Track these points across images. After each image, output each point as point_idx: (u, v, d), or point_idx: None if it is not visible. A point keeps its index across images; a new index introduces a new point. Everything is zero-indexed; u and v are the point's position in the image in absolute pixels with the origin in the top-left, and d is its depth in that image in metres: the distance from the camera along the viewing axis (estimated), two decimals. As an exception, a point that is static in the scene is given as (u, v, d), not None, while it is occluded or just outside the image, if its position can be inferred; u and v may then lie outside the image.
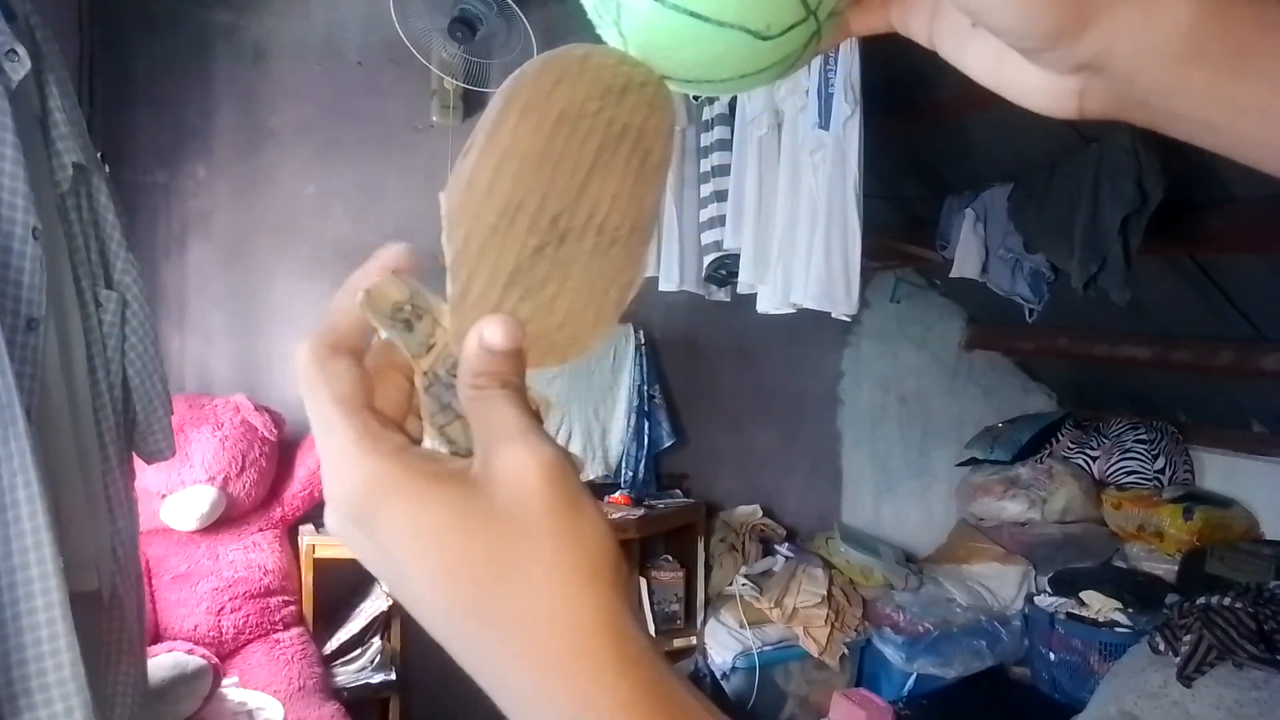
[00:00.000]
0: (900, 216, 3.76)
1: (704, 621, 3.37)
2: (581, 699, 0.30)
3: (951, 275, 3.24)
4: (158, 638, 2.40)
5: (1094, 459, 3.83)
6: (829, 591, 3.35)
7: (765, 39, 0.36)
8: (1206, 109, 0.34)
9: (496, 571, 0.31)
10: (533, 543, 0.31)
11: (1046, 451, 3.94)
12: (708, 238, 2.92)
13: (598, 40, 0.39)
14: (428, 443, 0.36)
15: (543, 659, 0.30)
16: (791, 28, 0.36)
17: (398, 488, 0.32)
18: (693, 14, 0.35)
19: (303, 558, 2.72)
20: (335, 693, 2.55)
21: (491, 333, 0.33)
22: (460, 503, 0.31)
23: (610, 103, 0.36)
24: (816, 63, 2.48)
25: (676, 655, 3.29)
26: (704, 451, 3.65)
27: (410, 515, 0.31)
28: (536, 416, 0.33)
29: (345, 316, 0.35)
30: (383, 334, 0.35)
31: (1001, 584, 3.57)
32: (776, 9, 0.35)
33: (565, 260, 0.35)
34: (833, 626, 3.28)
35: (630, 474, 3.38)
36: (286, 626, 2.62)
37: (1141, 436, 3.74)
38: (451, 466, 0.33)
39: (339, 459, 0.33)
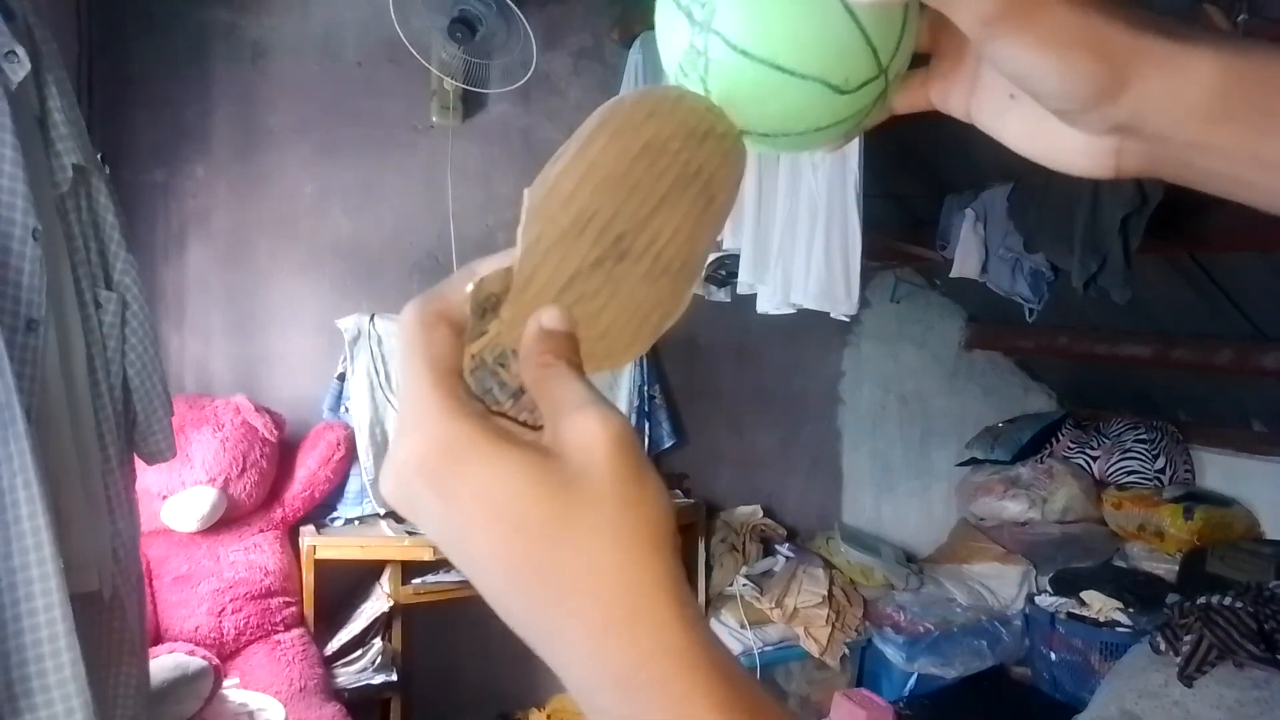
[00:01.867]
0: (900, 216, 3.76)
1: (704, 621, 3.37)
2: (642, 655, 0.31)
3: (951, 275, 3.24)
4: (159, 639, 2.39)
5: (1094, 459, 3.83)
6: (829, 591, 3.35)
7: (842, 93, 0.39)
8: (1237, 166, 0.37)
9: (563, 533, 0.32)
10: (600, 509, 0.32)
11: (1047, 451, 3.94)
12: (708, 237, 2.91)
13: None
14: None
15: (606, 617, 0.32)
16: (866, 83, 0.39)
17: (476, 446, 0.33)
18: (778, 67, 0.38)
19: (303, 559, 2.72)
20: (336, 694, 2.55)
21: (550, 316, 0.36)
22: (534, 467, 0.33)
23: (691, 145, 0.38)
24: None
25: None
26: (704, 451, 3.65)
27: (486, 473, 0.33)
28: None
29: (456, 291, 0.37)
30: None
31: (1002, 584, 3.57)
32: (854, 64, 0.39)
33: (618, 278, 0.38)
34: (833, 626, 3.28)
35: (631, 474, 3.37)
36: (287, 627, 2.61)
37: (1142, 436, 3.74)
38: (527, 436, 0.35)
39: (423, 415, 0.34)
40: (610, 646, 0.32)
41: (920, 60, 0.42)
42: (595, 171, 0.37)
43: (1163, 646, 2.57)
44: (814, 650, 3.23)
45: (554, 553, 0.32)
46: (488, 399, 0.37)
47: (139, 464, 1.69)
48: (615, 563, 0.32)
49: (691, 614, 0.32)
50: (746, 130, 0.41)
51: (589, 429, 0.33)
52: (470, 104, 3.12)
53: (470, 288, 0.36)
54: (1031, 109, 0.38)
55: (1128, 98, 0.35)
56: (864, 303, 3.03)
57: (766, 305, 2.80)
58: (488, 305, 0.37)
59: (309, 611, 2.73)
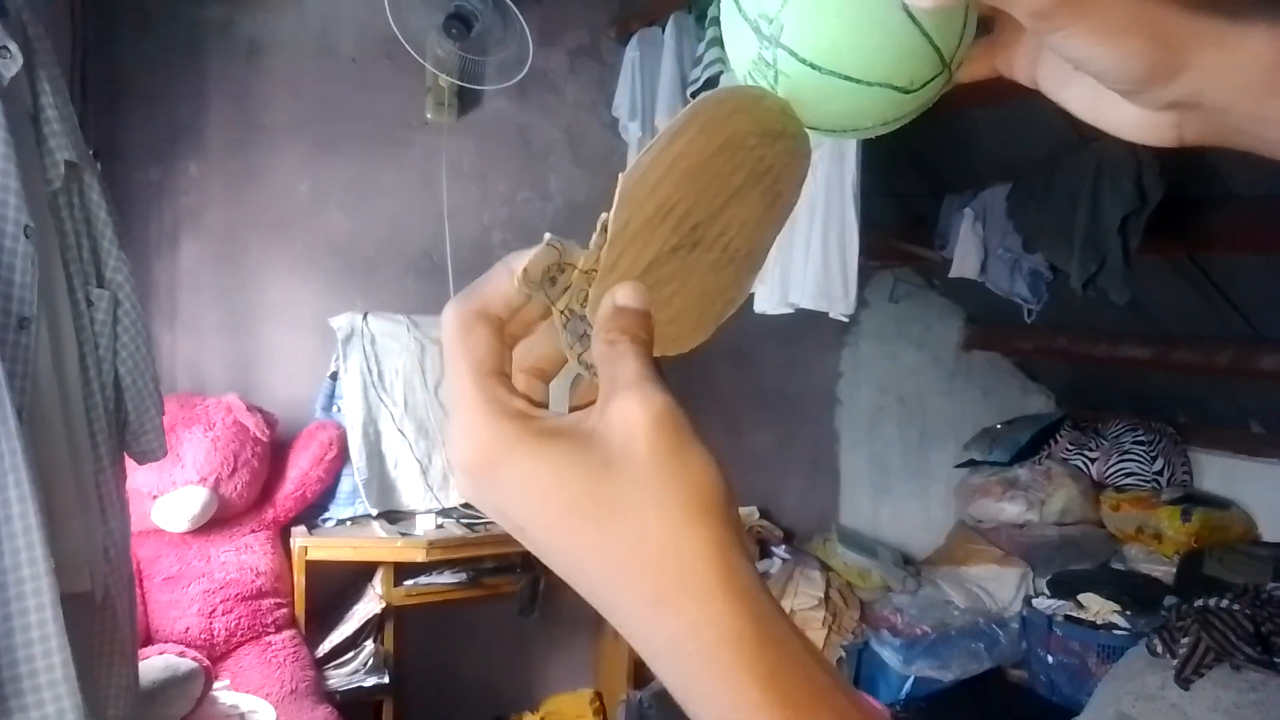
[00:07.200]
0: (899, 215, 3.75)
1: (700, 623, 3.36)
2: (690, 627, 0.32)
3: (950, 275, 3.23)
4: (149, 640, 2.38)
5: (1093, 460, 3.82)
6: (826, 594, 3.34)
7: (908, 92, 0.41)
8: None
9: (609, 512, 0.34)
10: (642, 485, 0.34)
11: (1045, 453, 3.93)
12: (705, 237, 2.90)
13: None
14: (568, 372, 0.41)
15: (654, 592, 0.33)
16: (930, 80, 0.41)
17: (519, 443, 0.35)
18: (845, 77, 0.40)
19: (295, 559, 2.69)
20: (328, 696, 2.54)
21: (624, 294, 0.39)
22: (575, 452, 0.35)
23: (766, 143, 0.41)
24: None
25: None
26: (700, 452, 3.62)
27: (528, 467, 0.35)
28: (659, 369, 0.38)
29: (494, 288, 0.39)
30: (532, 296, 0.39)
31: (999, 586, 3.57)
32: (918, 66, 0.40)
33: (690, 265, 0.41)
34: (830, 629, 3.27)
35: (627, 475, 3.36)
36: (279, 629, 2.59)
37: (1140, 438, 3.74)
38: (567, 423, 0.37)
39: (468, 420, 0.36)
40: (660, 618, 0.33)
41: (983, 26, 0.43)
42: (680, 162, 0.38)
43: (1160, 649, 2.57)
44: (810, 652, 3.21)
45: (602, 533, 0.34)
46: (583, 344, 0.40)
47: (129, 463, 1.68)
48: (661, 538, 0.33)
49: (742, 584, 0.33)
50: (815, 127, 0.43)
51: (629, 408, 0.35)
52: (466, 101, 3.10)
53: (519, 276, 0.38)
54: (1093, 81, 0.39)
55: (1184, 79, 0.36)
56: (862, 303, 3.03)
57: (764, 305, 2.79)
58: (551, 276, 0.39)
59: (300, 613, 2.71)
